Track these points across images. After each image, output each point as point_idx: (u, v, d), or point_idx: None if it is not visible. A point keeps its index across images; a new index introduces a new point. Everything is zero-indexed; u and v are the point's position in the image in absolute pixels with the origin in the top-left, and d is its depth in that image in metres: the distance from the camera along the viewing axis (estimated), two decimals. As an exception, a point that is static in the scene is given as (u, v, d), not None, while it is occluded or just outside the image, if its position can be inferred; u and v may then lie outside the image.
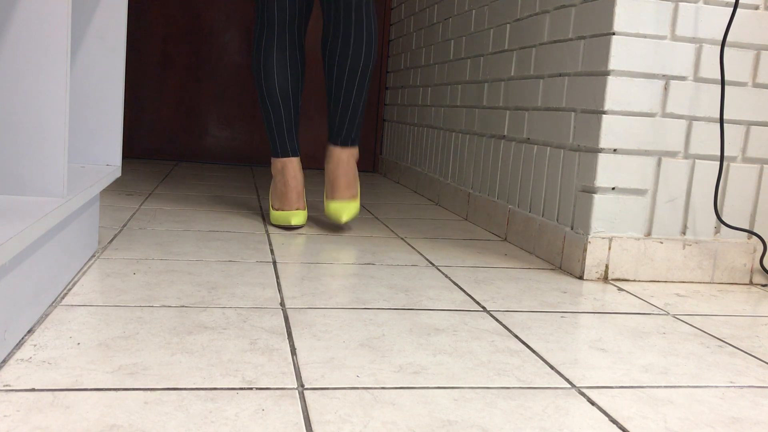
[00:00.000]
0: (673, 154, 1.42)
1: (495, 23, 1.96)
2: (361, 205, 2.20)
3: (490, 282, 1.32)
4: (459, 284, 1.28)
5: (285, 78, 1.69)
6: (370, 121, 3.30)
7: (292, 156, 1.72)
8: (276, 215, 1.70)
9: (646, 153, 1.40)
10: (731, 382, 0.89)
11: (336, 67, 1.69)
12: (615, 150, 1.38)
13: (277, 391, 0.76)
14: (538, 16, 1.68)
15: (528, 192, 1.68)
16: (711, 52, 1.40)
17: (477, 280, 1.32)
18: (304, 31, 1.75)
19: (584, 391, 0.83)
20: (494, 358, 0.91)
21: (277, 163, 1.73)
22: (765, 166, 1.46)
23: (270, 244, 1.51)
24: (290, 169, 1.71)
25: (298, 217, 1.68)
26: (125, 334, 0.90)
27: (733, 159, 1.44)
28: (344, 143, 1.72)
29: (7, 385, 0.73)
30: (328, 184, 1.71)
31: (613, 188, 1.39)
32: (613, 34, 1.35)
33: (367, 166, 3.33)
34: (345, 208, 1.69)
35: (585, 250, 1.39)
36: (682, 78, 1.39)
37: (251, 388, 0.76)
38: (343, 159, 1.72)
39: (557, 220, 1.52)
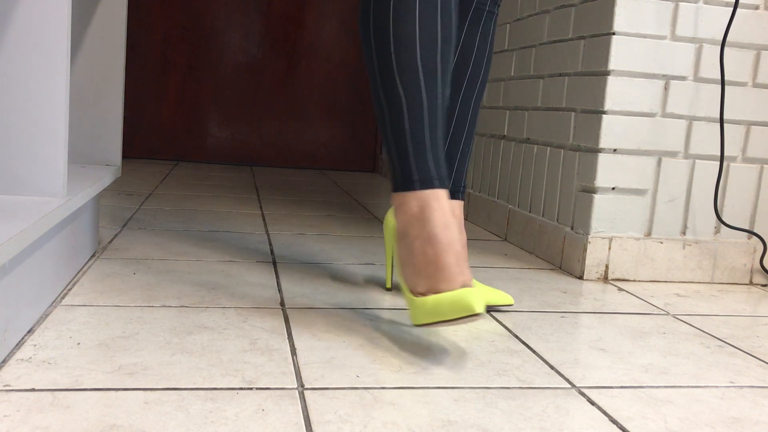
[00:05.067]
0: (673, 154, 1.41)
1: (495, 23, 1.96)
2: (361, 205, 2.19)
3: (490, 282, 1.32)
4: (459, 284, 1.28)
5: (433, 45, 0.94)
6: (370, 121, 3.30)
7: (439, 186, 0.93)
8: (430, 305, 0.89)
9: (646, 153, 1.40)
10: (731, 382, 0.89)
11: (465, 90, 1.14)
12: (615, 150, 1.38)
13: (277, 391, 0.76)
14: (538, 16, 1.68)
15: (528, 192, 1.68)
16: (711, 52, 1.40)
17: (477, 280, 1.32)
18: None
19: (584, 391, 0.83)
20: (494, 358, 0.91)
21: (411, 201, 0.93)
22: (765, 166, 1.46)
23: (270, 244, 1.51)
24: (437, 210, 0.92)
25: (473, 297, 0.86)
26: (125, 334, 0.90)
27: (733, 159, 1.44)
28: (463, 194, 1.17)
29: (7, 385, 0.73)
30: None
31: (613, 188, 1.39)
32: (613, 34, 1.35)
33: (367, 166, 3.33)
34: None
35: (585, 250, 1.39)
36: (683, 78, 1.39)
37: (251, 388, 0.76)
38: (461, 220, 1.12)
39: (557, 220, 1.52)
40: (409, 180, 0.92)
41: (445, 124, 0.96)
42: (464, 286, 0.89)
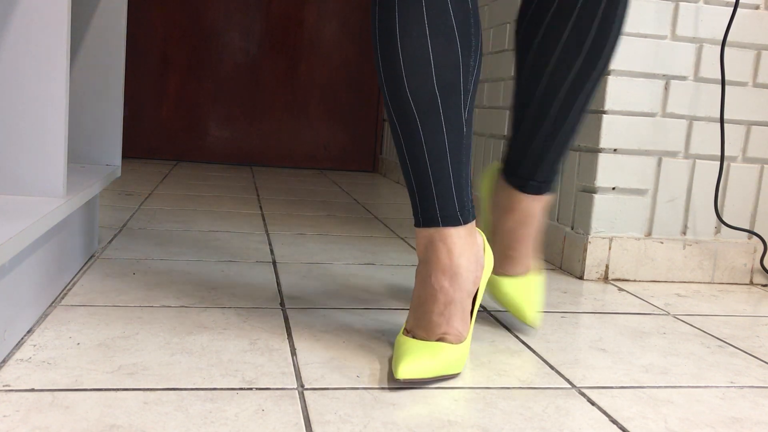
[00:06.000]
0: (673, 154, 1.41)
1: (495, 23, 1.96)
2: (361, 205, 2.19)
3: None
4: (459, 284, 1.28)
5: (448, 64, 0.81)
6: (370, 121, 3.30)
7: (444, 225, 0.85)
8: (403, 347, 0.83)
9: (646, 153, 1.40)
10: (731, 382, 0.89)
11: (558, 66, 0.95)
12: (615, 150, 1.38)
13: (277, 391, 0.76)
14: (538, 16, 1.68)
15: (528, 192, 1.68)
16: (711, 52, 1.39)
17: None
18: None
19: (584, 391, 0.83)
20: (494, 358, 0.91)
21: (419, 237, 0.87)
22: (765, 166, 1.46)
23: (270, 244, 1.51)
24: (440, 251, 0.85)
25: (432, 356, 0.81)
26: (125, 334, 0.90)
27: (734, 159, 1.44)
28: (540, 190, 1.01)
29: (6, 385, 0.73)
30: (503, 250, 1.03)
31: (614, 188, 1.39)
32: (614, 33, 1.35)
33: (367, 166, 3.33)
34: (534, 292, 1.02)
35: (585, 250, 1.39)
36: (683, 78, 1.39)
37: (251, 389, 0.76)
38: (535, 213, 1.02)
39: (557, 220, 1.52)
40: (416, 215, 0.87)
41: (466, 148, 0.85)
42: (441, 339, 0.83)
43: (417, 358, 0.80)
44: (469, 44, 0.82)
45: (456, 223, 0.84)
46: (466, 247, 0.85)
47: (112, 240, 1.44)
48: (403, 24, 0.80)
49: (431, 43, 0.80)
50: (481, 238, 0.89)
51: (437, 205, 0.84)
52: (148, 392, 0.73)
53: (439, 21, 0.80)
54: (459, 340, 0.83)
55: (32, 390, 0.72)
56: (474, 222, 0.87)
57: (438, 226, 0.84)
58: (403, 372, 0.78)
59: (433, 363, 0.80)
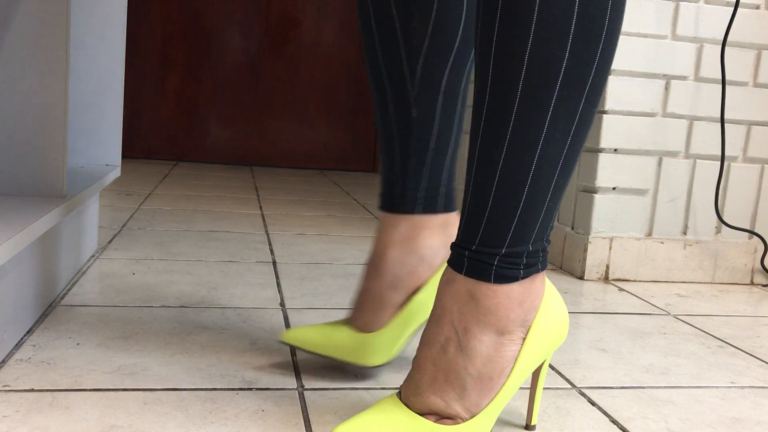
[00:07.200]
0: (673, 154, 1.41)
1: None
2: (361, 205, 2.19)
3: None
4: (459, 284, 1.28)
5: (389, 36, 0.77)
6: (370, 121, 3.30)
7: (387, 209, 0.80)
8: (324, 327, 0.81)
9: (646, 153, 1.40)
10: (732, 383, 0.89)
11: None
12: (616, 150, 1.38)
13: (277, 391, 0.76)
14: (538, 16, 1.68)
15: (528, 192, 1.68)
16: (712, 52, 1.39)
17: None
18: None
19: (585, 391, 0.83)
20: (495, 359, 0.91)
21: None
22: (766, 166, 1.46)
23: (270, 244, 1.51)
24: (378, 236, 0.80)
25: (347, 341, 0.79)
26: (125, 334, 0.90)
27: (734, 159, 1.44)
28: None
29: (6, 386, 0.73)
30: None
31: (614, 188, 1.39)
32: (614, 33, 1.35)
33: (367, 166, 3.33)
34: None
35: (585, 250, 1.39)
36: (683, 78, 1.39)
37: (251, 389, 0.76)
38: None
39: (558, 220, 1.52)
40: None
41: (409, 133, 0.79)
42: (361, 330, 0.78)
43: (309, 333, 0.80)
44: (409, 11, 0.76)
45: (389, 209, 0.79)
46: (399, 238, 0.78)
47: (111, 240, 1.44)
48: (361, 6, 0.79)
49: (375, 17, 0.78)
50: (437, 239, 0.79)
51: (381, 188, 0.81)
52: (148, 392, 0.73)
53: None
54: (363, 329, 0.78)
55: (32, 390, 0.72)
56: (430, 215, 0.79)
57: (380, 208, 0.81)
58: (287, 336, 0.79)
59: (324, 341, 0.78)
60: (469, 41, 0.78)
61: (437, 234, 0.79)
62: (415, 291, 0.78)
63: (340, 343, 0.78)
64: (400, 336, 0.78)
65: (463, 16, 0.77)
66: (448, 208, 0.80)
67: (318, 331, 0.80)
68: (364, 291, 0.79)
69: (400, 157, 0.79)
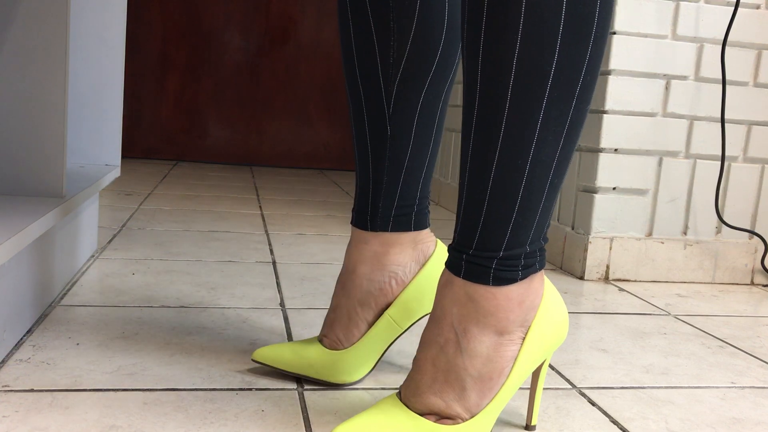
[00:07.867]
0: (674, 154, 1.41)
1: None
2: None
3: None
4: (459, 284, 1.28)
5: (366, 53, 0.76)
6: (371, 121, 3.30)
7: (363, 227, 0.79)
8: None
9: (647, 153, 1.40)
10: (732, 383, 0.89)
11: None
12: (616, 150, 1.38)
13: (277, 391, 0.76)
14: (538, 16, 1.68)
15: (528, 192, 1.68)
16: (712, 52, 1.39)
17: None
18: None
19: (585, 391, 0.83)
20: (495, 359, 0.91)
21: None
22: (766, 165, 1.46)
23: (270, 244, 1.51)
24: (350, 254, 0.80)
25: (311, 357, 0.79)
26: (124, 334, 0.90)
27: (735, 159, 1.44)
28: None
29: (6, 386, 0.73)
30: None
31: (614, 188, 1.39)
32: (614, 33, 1.35)
33: (368, 166, 3.33)
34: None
35: (586, 250, 1.39)
36: (683, 77, 1.39)
37: (251, 389, 0.76)
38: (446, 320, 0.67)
39: (558, 220, 1.52)
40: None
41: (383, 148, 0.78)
42: (332, 347, 0.78)
43: (280, 351, 0.79)
44: (387, 29, 0.75)
45: (361, 226, 0.79)
46: (370, 255, 0.78)
47: (111, 240, 1.44)
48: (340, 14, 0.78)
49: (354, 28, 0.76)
50: (408, 256, 0.78)
51: (355, 203, 0.80)
52: (147, 392, 0.73)
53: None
54: (333, 347, 0.78)
55: (32, 390, 0.72)
56: (402, 233, 0.78)
57: (352, 224, 0.80)
58: (258, 355, 0.79)
59: (295, 359, 0.78)
60: (448, 58, 0.77)
61: (408, 250, 0.78)
62: (386, 307, 0.78)
63: (312, 360, 0.78)
64: (371, 353, 0.78)
65: (444, 35, 0.76)
66: (419, 226, 0.79)
67: (289, 349, 0.79)
68: (335, 308, 0.78)
69: (374, 173, 0.78)
